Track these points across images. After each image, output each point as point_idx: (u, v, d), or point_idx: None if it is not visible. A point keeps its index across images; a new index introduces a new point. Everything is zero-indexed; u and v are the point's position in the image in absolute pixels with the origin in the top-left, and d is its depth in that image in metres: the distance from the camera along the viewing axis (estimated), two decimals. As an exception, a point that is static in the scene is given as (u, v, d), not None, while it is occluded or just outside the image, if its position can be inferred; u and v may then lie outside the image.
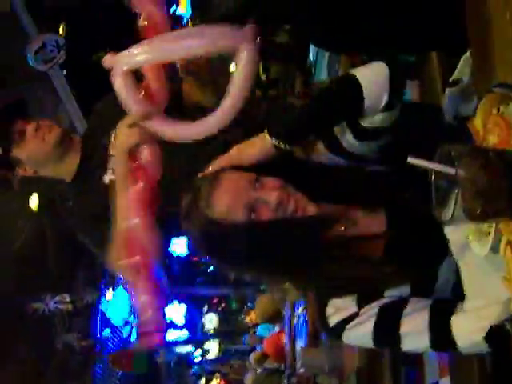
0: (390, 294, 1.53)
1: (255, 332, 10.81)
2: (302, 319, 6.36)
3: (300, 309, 6.59)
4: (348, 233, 1.56)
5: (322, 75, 5.96)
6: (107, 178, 2.27)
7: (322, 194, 1.59)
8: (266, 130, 1.62)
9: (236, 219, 1.49)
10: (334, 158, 1.70)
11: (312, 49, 7.05)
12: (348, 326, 1.53)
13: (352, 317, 1.52)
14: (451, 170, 1.20)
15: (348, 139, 1.67)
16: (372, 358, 3.38)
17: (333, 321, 1.54)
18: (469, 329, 1.42)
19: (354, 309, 1.52)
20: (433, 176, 1.28)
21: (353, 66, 4.47)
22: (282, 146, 1.58)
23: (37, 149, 2.31)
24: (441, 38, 2.10)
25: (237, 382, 15.02)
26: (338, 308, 1.54)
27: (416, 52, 1.68)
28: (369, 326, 1.50)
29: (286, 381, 6.35)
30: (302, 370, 5.10)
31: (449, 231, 1.45)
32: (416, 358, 2.98)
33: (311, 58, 7.24)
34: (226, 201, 1.50)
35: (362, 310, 1.51)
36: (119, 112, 2.10)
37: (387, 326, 1.50)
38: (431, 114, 2.14)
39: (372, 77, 1.63)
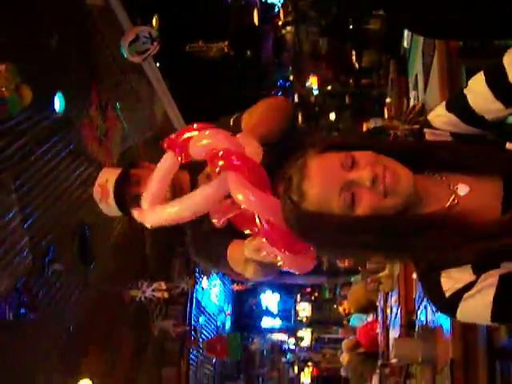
0: (506, 265, 1.40)
1: (348, 321, 10.79)
2: (395, 309, 6.31)
3: (393, 299, 6.53)
4: (454, 209, 1.46)
5: (417, 62, 5.85)
6: None
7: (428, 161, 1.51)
8: None
9: (333, 207, 1.41)
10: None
11: (406, 35, 6.93)
12: (465, 296, 1.39)
13: (469, 286, 1.39)
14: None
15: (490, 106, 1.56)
16: (466, 349, 3.31)
17: (449, 291, 1.42)
18: None
19: (472, 277, 1.40)
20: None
21: (448, 52, 4.41)
22: None
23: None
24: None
25: (329, 370, 15.07)
26: (454, 278, 1.42)
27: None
28: (489, 295, 1.37)
29: (378, 370, 6.31)
30: (394, 360, 5.03)
31: None
32: (512, 351, 2.90)
33: (405, 45, 7.10)
34: (319, 189, 1.41)
35: (481, 278, 1.38)
36: None
37: (510, 296, 1.37)
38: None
39: None
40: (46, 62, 4.90)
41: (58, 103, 5.07)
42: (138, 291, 7.03)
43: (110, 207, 2.49)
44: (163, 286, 7.36)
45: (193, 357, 9.76)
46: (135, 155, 6.42)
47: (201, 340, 10.19)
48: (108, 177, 2.51)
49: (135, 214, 1.81)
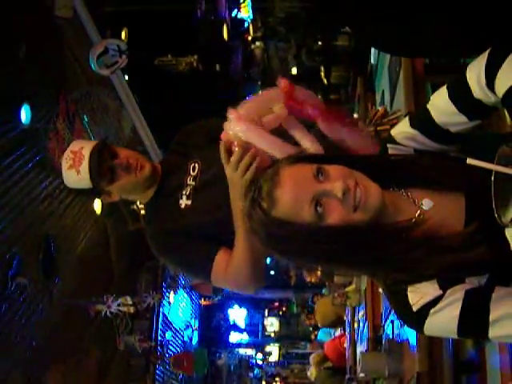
0: (470, 281, 1.43)
1: (316, 336, 10.81)
2: (362, 324, 6.33)
3: (360, 313, 6.55)
4: (421, 223, 1.47)
5: (383, 79, 5.91)
6: (183, 203, 2.34)
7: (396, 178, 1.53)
8: None
9: (303, 215, 1.42)
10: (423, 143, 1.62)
11: (373, 51, 7.00)
12: (432, 311, 1.41)
13: (436, 301, 1.42)
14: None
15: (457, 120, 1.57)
16: (432, 363, 3.32)
17: (416, 305, 1.44)
18: None
19: (438, 292, 1.42)
20: (493, 177, 1.24)
21: (414, 68, 4.45)
22: None
23: (127, 184, 2.40)
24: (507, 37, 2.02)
25: (297, 385, 15.05)
26: (421, 292, 1.44)
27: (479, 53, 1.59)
28: (455, 309, 1.39)
29: (345, 384, 6.34)
30: (361, 375, 5.04)
31: (510, 234, 1.39)
32: (477, 365, 2.91)
33: (372, 61, 7.17)
34: (290, 197, 1.42)
35: (447, 292, 1.41)
36: (199, 141, 2.18)
37: (476, 309, 1.39)
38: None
39: None
40: (13, 72, 4.85)
41: (25, 115, 5.02)
42: (103, 306, 6.94)
43: (79, 176, 2.33)
44: (129, 300, 7.28)
45: (159, 372, 9.64)
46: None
47: (167, 355, 10.10)
48: (83, 145, 2.39)
49: (231, 112, 1.73)
